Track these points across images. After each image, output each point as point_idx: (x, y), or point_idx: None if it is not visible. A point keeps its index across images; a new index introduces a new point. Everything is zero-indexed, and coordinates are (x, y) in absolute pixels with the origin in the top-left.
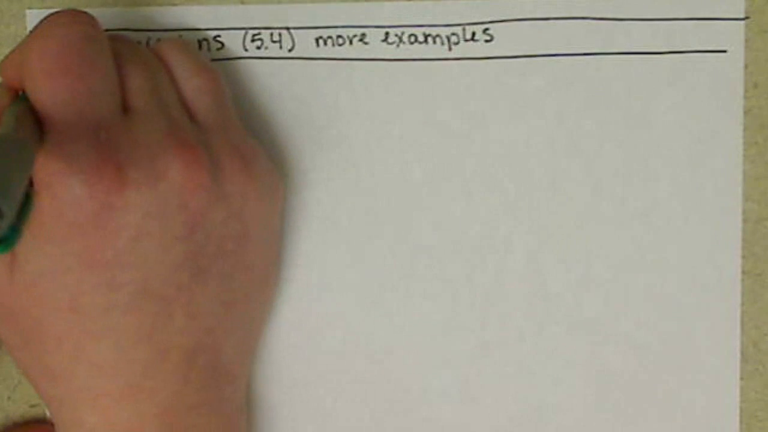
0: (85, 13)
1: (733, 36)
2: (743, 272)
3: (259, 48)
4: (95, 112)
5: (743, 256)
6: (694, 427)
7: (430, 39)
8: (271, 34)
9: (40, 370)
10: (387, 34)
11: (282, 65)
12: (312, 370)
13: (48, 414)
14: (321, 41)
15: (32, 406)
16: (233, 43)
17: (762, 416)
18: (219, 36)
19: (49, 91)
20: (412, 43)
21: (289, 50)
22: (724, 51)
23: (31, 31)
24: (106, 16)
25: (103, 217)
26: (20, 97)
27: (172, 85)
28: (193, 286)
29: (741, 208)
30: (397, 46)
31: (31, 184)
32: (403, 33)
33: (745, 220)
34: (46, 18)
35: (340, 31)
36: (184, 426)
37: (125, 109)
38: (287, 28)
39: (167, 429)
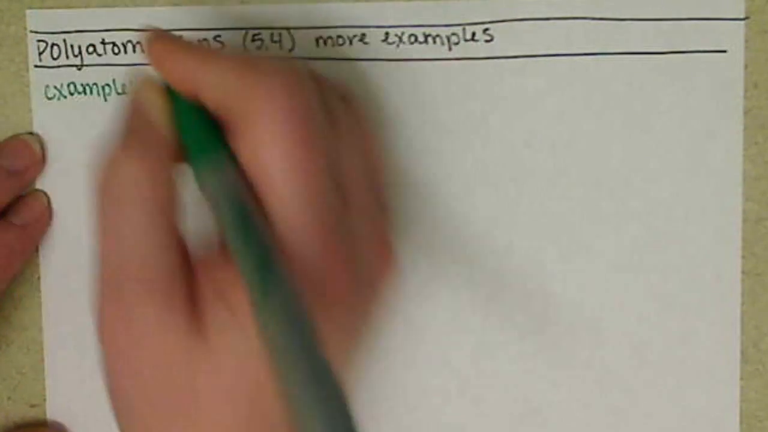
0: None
1: (733, 36)
2: (743, 272)
3: (259, 48)
4: (326, 212)
5: (743, 256)
6: (694, 427)
7: (430, 39)
8: (271, 34)
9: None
10: (387, 34)
11: None
12: None
13: (48, 414)
14: (321, 41)
15: (32, 406)
16: (233, 43)
17: (762, 416)
18: (219, 36)
19: (287, 174)
20: (412, 43)
21: (289, 50)
22: (724, 51)
23: (251, 60)
24: (102, 16)
25: None
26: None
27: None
28: None
29: (741, 208)
30: (397, 46)
31: None
32: (403, 33)
33: (745, 220)
34: (277, 59)
35: (340, 31)
36: None
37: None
38: (287, 28)
39: None
